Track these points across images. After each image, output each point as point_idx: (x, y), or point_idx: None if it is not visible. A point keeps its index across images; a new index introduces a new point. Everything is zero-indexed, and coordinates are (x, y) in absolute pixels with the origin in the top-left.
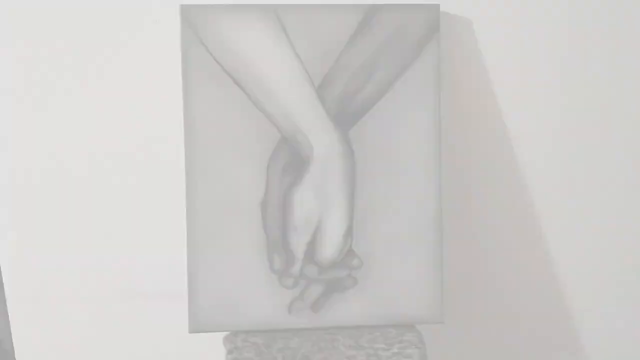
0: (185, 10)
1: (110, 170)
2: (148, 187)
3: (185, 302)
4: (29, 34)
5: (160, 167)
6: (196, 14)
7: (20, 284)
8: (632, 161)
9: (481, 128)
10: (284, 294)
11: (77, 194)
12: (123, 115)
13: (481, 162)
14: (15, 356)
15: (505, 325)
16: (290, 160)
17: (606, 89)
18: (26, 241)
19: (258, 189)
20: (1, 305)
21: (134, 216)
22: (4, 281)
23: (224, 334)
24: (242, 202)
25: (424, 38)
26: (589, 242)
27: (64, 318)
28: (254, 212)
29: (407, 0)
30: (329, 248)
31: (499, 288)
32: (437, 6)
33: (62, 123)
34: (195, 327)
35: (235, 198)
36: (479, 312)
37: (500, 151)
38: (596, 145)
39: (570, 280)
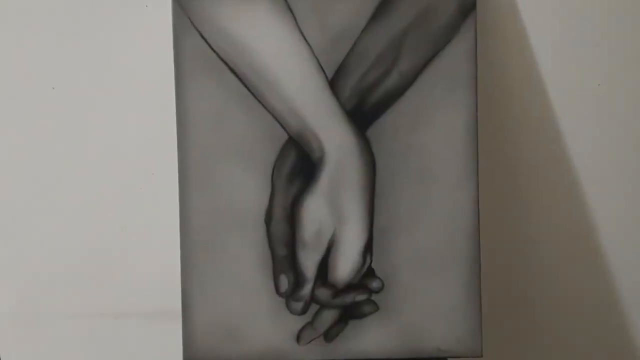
0: None
1: (94, 177)
2: (137, 195)
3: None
4: (13, 19)
5: (149, 172)
6: None
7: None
8: None
9: (527, 126)
10: (292, 321)
11: (57, 203)
12: (105, 115)
13: (527, 165)
14: None
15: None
16: (298, 164)
17: None
18: (4, 252)
19: (261, 198)
20: None
21: (122, 227)
22: None
23: None
24: (242, 213)
25: (458, 19)
26: None
27: (47, 337)
28: (256, 225)
29: None
30: (345, 267)
31: (548, 315)
32: None
33: (37, 117)
34: (190, 356)
35: (235, 209)
36: (524, 344)
37: (551, 152)
38: None
39: (637, 306)
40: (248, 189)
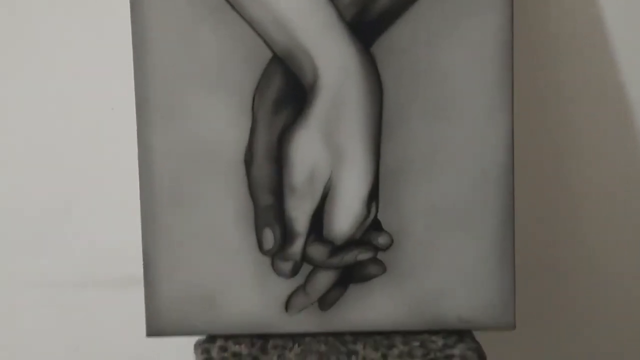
0: None
1: (41, 118)
2: (94, 138)
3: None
4: None
5: (108, 107)
6: None
7: None
8: None
9: (576, 41)
10: (280, 285)
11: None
12: (51, 37)
13: (575, 94)
14: None
15: (595, 333)
16: (286, 89)
17: None
18: None
19: (240, 133)
20: None
21: (78, 178)
22: None
23: (195, 338)
24: (216, 153)
25: None
26: None
27: (6, 307)
28: (234, 167)
29: None
30: (344, 219)
31: (596, 278)
32: None
33: None
34: (155, 328)
35: (207, 147)
36: (565, 312)
37: (605, 76)
38: None
39: None
40: (223, 123)
